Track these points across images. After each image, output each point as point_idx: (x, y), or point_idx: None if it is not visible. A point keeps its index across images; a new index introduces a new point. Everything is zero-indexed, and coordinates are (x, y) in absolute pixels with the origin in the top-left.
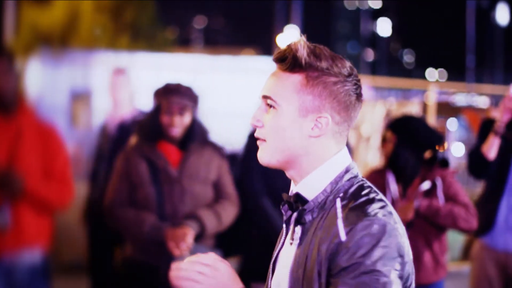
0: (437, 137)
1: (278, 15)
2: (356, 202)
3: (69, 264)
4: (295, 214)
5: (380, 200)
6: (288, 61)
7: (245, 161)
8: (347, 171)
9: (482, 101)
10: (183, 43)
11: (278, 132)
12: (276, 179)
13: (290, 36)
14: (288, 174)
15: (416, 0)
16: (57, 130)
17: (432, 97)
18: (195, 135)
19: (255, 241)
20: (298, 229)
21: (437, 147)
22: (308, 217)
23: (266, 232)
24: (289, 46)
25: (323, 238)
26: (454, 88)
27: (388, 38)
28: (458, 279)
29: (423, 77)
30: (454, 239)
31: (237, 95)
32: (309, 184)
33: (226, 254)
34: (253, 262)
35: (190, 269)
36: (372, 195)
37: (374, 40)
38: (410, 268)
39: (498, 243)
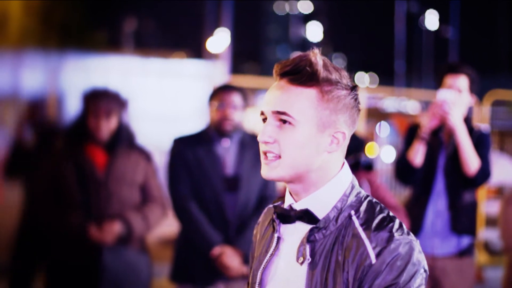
0: (360, 142)
1: (208, 18)
2: (375, 221)
3: None
4: (303, 232)
5: (394, 217)
6: (304, 75)
7: (171, 166)
8: (353, 187)
9: (411, 106)
10: (114, 45)
11: (296, 149)
12: (203, 183)
13: (220, 39)
14: (292, 187)
15: (346, 5)
16: None
17: (361, 102)
18: (122, 138)
19: (182, 245)
20: (307, 246)
21: (361, 152)
22: (319, 235)
23: (192, 235)
24: (303, 59)
25: (348, 259)
26: (383, 92)
27: (319, 42)
28: None
29: (354, 82)
30: None
31: (167, 98)
32: (318, 200)
33: None
34: (180, 265)
35: None
36: (386, 212)
37: (304, 44)
38: None
39: (425, 247)
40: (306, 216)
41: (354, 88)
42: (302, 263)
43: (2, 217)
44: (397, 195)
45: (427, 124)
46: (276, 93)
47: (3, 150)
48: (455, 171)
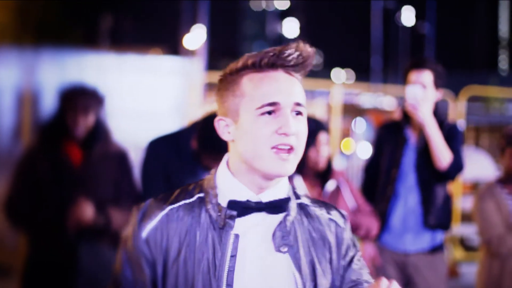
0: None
1: (184, 15)
2: (318, 202)
3: None
4: (265, 222)
5: None
6: (307, 68)
7: (145, 166)
8: None
9: (388, 102)
10: (90, 41)
11: (304, 139)
12: (179, 184)
13: (197, 35)
14: (267, 182)
15: (323, 1)
16: None
17: (337, 98)
18: (99, 135)
19: None
20: (279, 234)
21: None
22: (288, 222)
23: None
24: (306, 52)
25: (327, 237)
26: (359, 88)
27: (295, 38)
28: None
29: (330, 78)
30: None
31: (143, 95)
32: (282, 190)
33: None
34: None
35: None
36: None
37: (281, 40)
38: None
39: (396, 244)
40: (277, 205)
41: None
42: (283, 251)
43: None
44: None
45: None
46: (289, 84)
47: None
48: (427, 166)
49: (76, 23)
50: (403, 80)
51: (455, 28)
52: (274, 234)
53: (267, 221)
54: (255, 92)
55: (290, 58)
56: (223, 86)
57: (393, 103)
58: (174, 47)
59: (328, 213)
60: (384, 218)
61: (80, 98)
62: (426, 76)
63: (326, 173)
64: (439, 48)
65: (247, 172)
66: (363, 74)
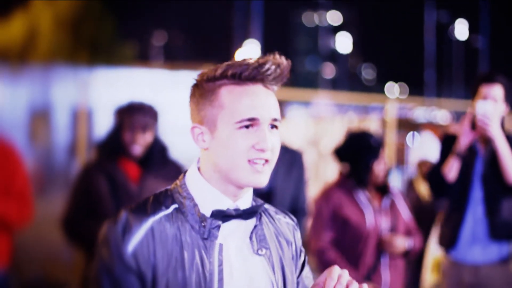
0: None
1: (237, 30)
2: (269, 206)
3: (29, 282)
4: (239, 227)
5: None
6: (284, 80)
7: None
8: None
9: (442, 116)
10: (143, 58)
11: (278, 152)
12: None
13: (249, 50)
14: (240, 191)
15: (376, 16)
16: (15, 147)
17: (391, 112)
18: (156, 152)
19: None
20: (256, 237)
21: None
22: (263, 224)
23: None
24: (283, 64)
25: (290, 239)
26: (413, 103)
27: (348, 53)
28: None
29: (384, 92)
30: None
31: None
32: (250, 195)
33: None
34: None
35: None
36: None
37: (334, 55)
38: None
39: (465, 255)
40: (253, 212)
41: None
42: (263, 254)
43: (35, 233)
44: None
45: (463, 140)
46: (267, 98)
47: (36, 164)
48: (494, 179)
49: (129, 40)
50: (472, 93)
51: (510, 40)
52: (251, 238)
53: (242, 227)
54: (234, 106)
55: (269, 72)
56: (200, 94)
57: (447, 117)
58: None
59: (284, 216)
60: (455, 230)
61: (138, 116)
62: (497, 90)
63: (384, 187)
64: (493, 62)
65: (221, 181)
66: (416, 88)
